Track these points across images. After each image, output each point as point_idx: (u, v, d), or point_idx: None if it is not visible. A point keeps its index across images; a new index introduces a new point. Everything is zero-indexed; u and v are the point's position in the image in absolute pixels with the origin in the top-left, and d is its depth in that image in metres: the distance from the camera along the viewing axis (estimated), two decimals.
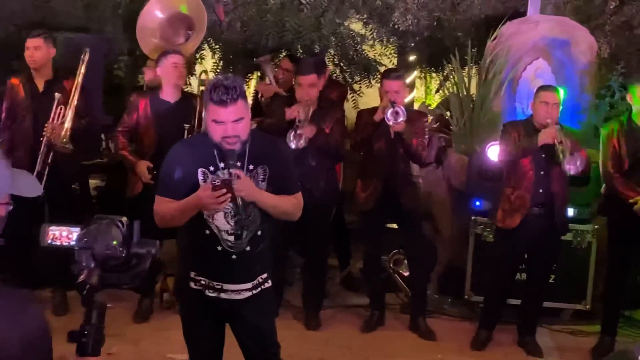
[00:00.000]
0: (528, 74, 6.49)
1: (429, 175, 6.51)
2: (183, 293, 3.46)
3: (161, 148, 5.33)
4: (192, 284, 3.36)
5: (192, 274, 3.36)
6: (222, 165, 3.25)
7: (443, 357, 5.19)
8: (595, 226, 5.93)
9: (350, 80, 8.21)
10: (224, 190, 3.11)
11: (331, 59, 7.52)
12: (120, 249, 2.19)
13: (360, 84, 8.44)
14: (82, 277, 2.15)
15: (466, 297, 6.00)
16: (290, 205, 3.39)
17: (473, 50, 6.80)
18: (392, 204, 5.45)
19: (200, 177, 3.26)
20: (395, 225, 5.80)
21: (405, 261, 6.11)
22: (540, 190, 5.17)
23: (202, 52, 7.53)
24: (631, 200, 5.07)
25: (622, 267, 5.34)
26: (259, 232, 3.35)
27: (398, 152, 5.43)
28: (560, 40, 6.52)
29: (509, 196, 5.23)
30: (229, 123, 3.16)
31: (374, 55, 8.35)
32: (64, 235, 2.23)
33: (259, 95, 6.60)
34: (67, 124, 5.30)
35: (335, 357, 5.06)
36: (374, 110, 5.55)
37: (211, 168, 3.26)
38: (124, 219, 2.27)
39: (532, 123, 5.24)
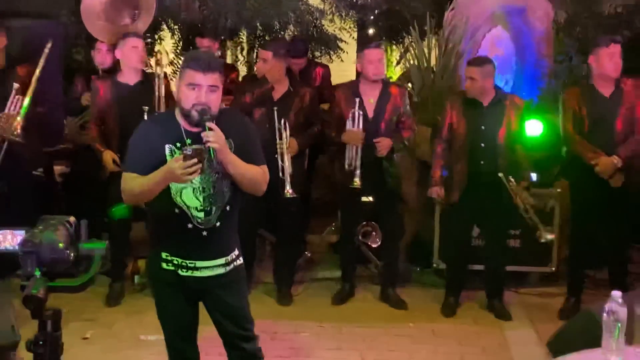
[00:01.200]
0: (487, 43, 6.56)
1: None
2: (155, 275, 3.46)
3: (123, 131, 5.34)
4: (164, 265, 3.37)
5: (164, 255, 3.37)
6: (189, 141, 3.25)
7: (415, 325, 5.26)
8: (558, 190, 6.02)
9: (311, 56, 8.22)
10: (195, 160, 3.10)
11: (291, 36, 7.51)
12: (67, 251, 2.11)
13: (321, 59, 8.47)
14: (26, 291, 2.06)
15: (434, 265, 6.10)
16: (257, 173, 3.39)
17: (432, 21, 6.84)
18: (373, 178, 5.48)
19: (167, 153, 3.27)
20: (370, 199, 5.82)
21: (374, 233, 6.18)
22: (482, 162, 5.27)
23: (160, 32, 7.48)
24: (592, 162, 5.16)
25: (585, 228, 5.44)
26: (228, 208, 3.37)
27: (379, 130, 5.48)
28: (517, 7, 6.59)
29: (450, 170, 5.37)
30: (205, 88, 3.20)
31: (334, 30, 8.37)
32: (8, 238, 2.16)
33: None
34: (19, 116, 5.24)
35: (308, 331, 5.10)
36: (349, 84, 5.64)
37: (178, 145, 3.27)
38: (72, 218, 2.19)
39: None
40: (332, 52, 8.53)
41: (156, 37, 7.36)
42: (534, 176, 5.98)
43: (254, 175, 3.38)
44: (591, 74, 5.37)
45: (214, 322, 3.52)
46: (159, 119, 3.85)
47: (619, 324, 2.66)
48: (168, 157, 3.26)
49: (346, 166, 5.43)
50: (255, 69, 5.60)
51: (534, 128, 5.98)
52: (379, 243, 6.16)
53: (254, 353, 3.56)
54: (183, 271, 3.36)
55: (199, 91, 3.20)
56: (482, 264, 5.66)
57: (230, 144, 3.29)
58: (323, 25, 8.19)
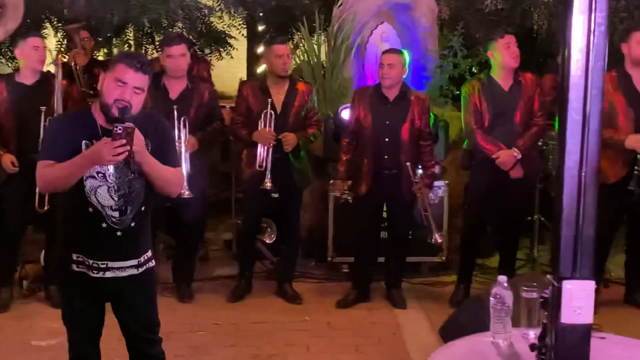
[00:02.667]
0: (375, 39, 6.68)
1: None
2: (64, 277, 3.37)
3: (21, 132, 5.21)
4: (74, 267, 3.29)
5: (75, 256, 3.29)
6: (103, 137, 3.16)
7: (311, 319, 5.31)
8: (447, 182, 6.19)
9: (200, 53, 8.18)
10: (124, 141, 3.03)
11: (179, 32, 7.44)
12: None
13: (210, 56, 8.44)
14: None
15: (329, 259, 6.16)
16: (172, 175, 3.38)
17: (321, 17, 6.90)
18: (279, 175, 5.46)
19: (83, 149, 3.21)
20: (276, 195, 5.81)
21: (269, 229, 6.20)
22: (386, 157, 5.37)
23: (44, 30, 7.28)
24: (493, 155, 5.31)
25: (478, 219, 5.60)
26: (143, 208, 3.33)
27: (286, 125, 5.48)
28: (402, 4, 6.74)
29: (357, 164, 5.42)
30: (130, 88, 3.17)
31: (223, 27, 8.35)
32: None
33: (74, 64, 6.52)
34: None
35: (205, 329, 5.08)
36: (257, 80, 5.65)
37: (94, 141, 3.21)
38: None
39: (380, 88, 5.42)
40: (221, 49, 8.52)
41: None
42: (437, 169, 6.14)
43: (170, 177, 3.36)
44: (490, 66, 5.46)
45: (120, 324, 3.46)
46: (73, 115, 3.75)
47: (505, 307, 2.77)
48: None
49: (257, 166, 5.42)
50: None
51: None
52: (274, 239, 6.21)
53: (157, 356, 3.53)
54: (94, 272, 3.28)
55: (124, 88, 3.16)
56: (383, 256, 5.73)
57: (148, 144, 3.25)
58: (212, 22, 8.16)
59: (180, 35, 6.63)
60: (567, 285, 2.45)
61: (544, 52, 8.00)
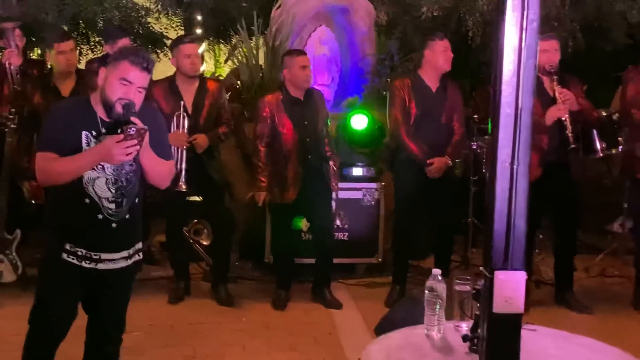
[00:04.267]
0: (313, 41, 6.72)
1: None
2: (51, 265, 3.36)
3: None
4: (65, 256, 3.31)
5: (68, 246, 3.30)
6: (104, 130, 3.23)
7: (247, 319, 5.30)
8: (382, 183, 6.25)
9: None
10: (135, 142, 3.08)
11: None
12: None
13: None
14: None
15: (266, 260, 6.16)
16: (167, 168, 3.45)
17: (259, 20, 6.90)
18: (196, 176, 5.45)
19: (83, 139, 3.23)
20: (198, 198, 5.79)
21: (205, 230, 6.17)
22: (310, 156, 5.41)
23: None
24: (428, 161, 5.38)
25: (408, 219, 5.67)
26: (137, 200, 3.39)
27: (197, 126, 5.45)
28: (341, 7, 6.79)
29: (280, 171, 5.44)
30: (135, 87, 3.20)
31: (160, 29, 8.28)
32: None
33: (7, 64, 6.42)
34: None
35: (139, 330, 5.00)
36: (166, 81, 5.55)
37: (94, 132, 3.24)
38: None
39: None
40: (159, 51, 8.45)
41: None
42: (359, 170, 6.21)
43: (164, 170, 3.42)
44: (421, 66, 5.55)
45: (91, 319, 3.49)
46: (74, 103, 3.71)
47: (439, 300, 2.81)
48: (84, 144, 3.22)
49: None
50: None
51: (359, 123, 6.18)
52: (211, 241, 6.17)
53: (114, 357, 3.58)
54: (87, 263, 3.31)
55: (128, 87, 3.20)
56: (312, 257, 5.77)
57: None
58: (149, 23, 8.09)
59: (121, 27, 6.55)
60: (499, 276, 2.50)
61: (478, 60, 8.14)
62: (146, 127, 3.17)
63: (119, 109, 3.19)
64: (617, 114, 6.04)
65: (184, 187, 5.33)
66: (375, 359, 2.59)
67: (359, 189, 6.14)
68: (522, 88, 2.49)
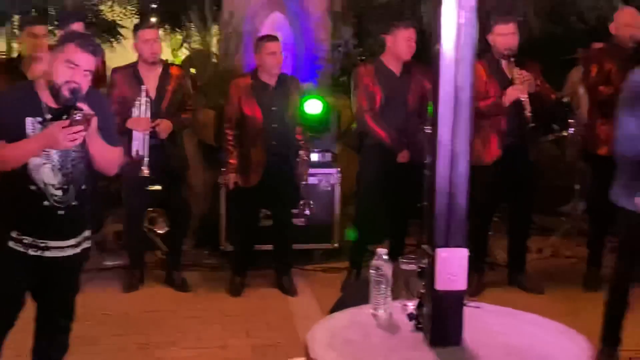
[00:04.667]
0: (266, 28, 6.69)
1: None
2: None
3: None
4: (11, 244, 3.27)
5: (14, 234, 3.26)
6: (49, 116, 3.18)
7: (203, 307, 5.29)
8: (338, 169, 6.26)
9: None
10: (81, 127, 3.04)
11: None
12: None
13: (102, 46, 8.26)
14: None
15: (222, 247, 6.14)
16: (114, 154, 3.41)
17: (212, 6, 6.86)
18: (160, 166, 5.41)
19: (28, 126, 3.18)
20: (158, 187, 5.75)
21: (160, 219, 6.13)
22: (274, 143, 5.40)
23: None
24: (397, 150, 5.40)
25: (373, 204, 5.65)
26: (84, 187, 3.35)
27: (160, 112, 5.41)
28: None
29: (245, 154, 5.43)
30: (81, 70, 3.16)
31: (114, 17, 8.22)
32: None
33: None
34: None
35: (92, 319, 4.97)
36: (128, 67, 5.53)
37: (38, 119, 3.19)
38: None
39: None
40: (112, 39, 8.38)
41: None
42: (315, 156, 6.21)
43: (112, 156, 3.39)
44: (384, 52, 5.55)
45: (39, 307, 3.45)
46: (17, 89, 3.62)
47: (385, 280, 2.82)
48: (29, 130, 3.18)
49: (133, 154, 5.33)
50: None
51: (314, 108, 6.18)
52: (166, 229, 6.13)
53: (64, 345, 3.56)
54: (33, 250, 3.27)
55: (75, 70, 3.15)
56: (270, 244, 5.77)
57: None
58: (102, 11, 8.03)
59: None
60: (442, 254, 2.53)
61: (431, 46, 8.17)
62: (93, 112, 3.14)
63: (65, 92, 3.14)
64: (568, 97, 6.12)
65: (146, 172, 5.30)
66: (320, 338, 2.59)
67: (315, 175, 6.13)
68: (461, 67, 2.51)
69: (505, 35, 5.28)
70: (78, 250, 3.41)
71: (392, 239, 5.84)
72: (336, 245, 6.28)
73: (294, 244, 5.85)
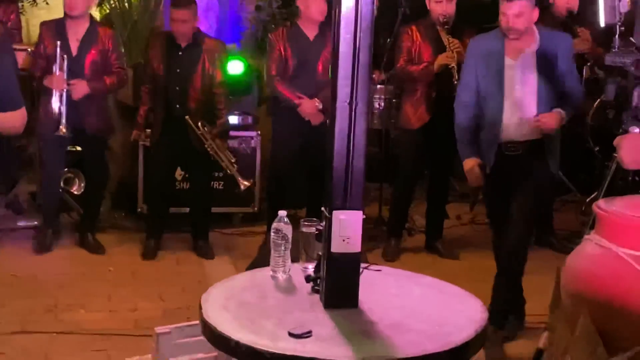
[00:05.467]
0: None
1: None
2: None
3: None
4: None
5: None
6: None
7: (115, 269, 5.21)
8: (258, 132, 6.20)
9: None
10: None
11: None
12: None
13: (22, 2, 7.98)
14: None
15: (139, 210, 6.05)
16: (15, 118, 3.31)
17: None
18: (79, 126, 5.30)
19: None
20: (78, 148, 5.63)
21: (77, 180, 6.00)
22: (177, 106, 5.34)
23: None
24: (296, 102, 5.33)
25: (285, 167, 5.61)
26: None
27: (82, 71, 5.29)
28: None
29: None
30: None
31: None
32: None
33: None
34: None
35: (3, 280, 4.87)
36: (54, 22, 5.41)
37: None
38: None
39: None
40: None
41: None
42: (235, 119, 6.13)
43: (13, 120, 3.30)
44: (299, 16, 5.50)
45: None
46: None
47: (285, 242, 2.80)
48: None
49: (51, 112, 5.19)
50: None
51: (235, 69, 6.10)
52: (82, 190, 6.00)
53: None
54: None
55: None
56: (187, 207, 5.71)
57: None
58: None
59: None
60: (338, 216, 2.52)
61: None
62: None
63: None
64: None
65: (64, 130, 5.16)
66: (215, 300, 2.57)
67: (235, 138, 6.06)
68: (360, 27, 2.48)
69: (440, 3, 5.31)
70: None
71: (309, 204, 5.83)
72: (256, 209, 6.24)
73: (214, 207, 5.80)
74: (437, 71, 5.29)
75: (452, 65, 5.26)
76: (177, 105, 5.31)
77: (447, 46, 5.29)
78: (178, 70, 5.32)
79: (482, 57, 4.25)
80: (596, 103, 6.46)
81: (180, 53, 5.33)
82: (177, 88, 5.31)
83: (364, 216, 2.51)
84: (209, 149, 5.32)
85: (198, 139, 5.31)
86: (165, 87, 5.33)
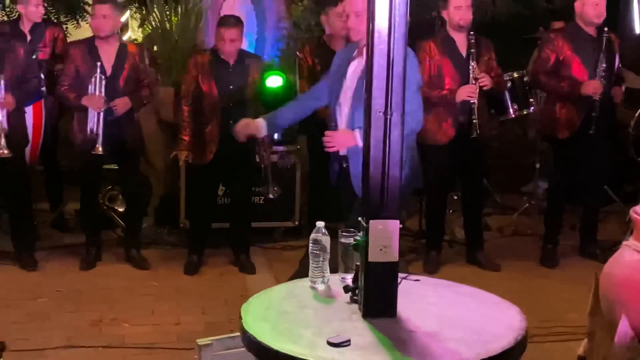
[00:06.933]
0: (228, 4, 6.65)
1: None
2: None
3: None
4: None
5: None
6: None
7: (159, 284, 5.27)
8: (298, 147, 6.25)
9: (55, 20, 7.91)
10: None
11: None
12: None
13: (67, 24, 8.16)
14: None
15: (181, 225, 6.12)
16: None
17: None
18: (115, 143, 5.38)
19: None
20: (114, 166, 5.74)
21: (120, 197, 6.10)
22: (231, 122, 5.37)
23: None
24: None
25: (321, 181, 5.66)
26: None
27: (117, 89, 5.38)
28: None
29: (200, 131, 5.39)
30: None
31: None
32: None
33: None
34: None
35: (46, 296, 4.96)
36: (85, 42, 5.50)
37: None
38: None
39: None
40: (78, 17, 8.26)
41: None
42: (276, 134, 6.18)
43: None
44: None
45: None
46: None
47: (323, 253, 2.83)
48: None
49: (88, 132, 5.30)
50: None
51: (274, 83, 6.15)
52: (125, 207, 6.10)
53: None
54: None
55: None
56: (228, 222, 5.76)
57: None
58: None
59: None
60: (375, 225, 2.53)
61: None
62: None
63: None
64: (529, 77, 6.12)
65: (100, 150, 5.26)
66: (254, 310, 2.60)
67: (275, 152, 6.11)
68: (394, 40, 2.51)
69: (460, 8, 5.31)
70: None
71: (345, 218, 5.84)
72: (297, 223, 6.28)
73: (254, 222, 5.85)
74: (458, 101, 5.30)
75: (474, 101, 5.26)
76: (231, 122, 5.36)
77: (474, 79, 5.27)
78: (231, 87, 5.38)
79: None
80: (637, 113, 6.40)
81: (230, 70, 5.39)
82: (231, 104, 5.36)
83: (401, 226, 2.53)
84: (265, 163, 5.39)
85: (257, 153, 5.38)
86: (217, 104, 5.37)
